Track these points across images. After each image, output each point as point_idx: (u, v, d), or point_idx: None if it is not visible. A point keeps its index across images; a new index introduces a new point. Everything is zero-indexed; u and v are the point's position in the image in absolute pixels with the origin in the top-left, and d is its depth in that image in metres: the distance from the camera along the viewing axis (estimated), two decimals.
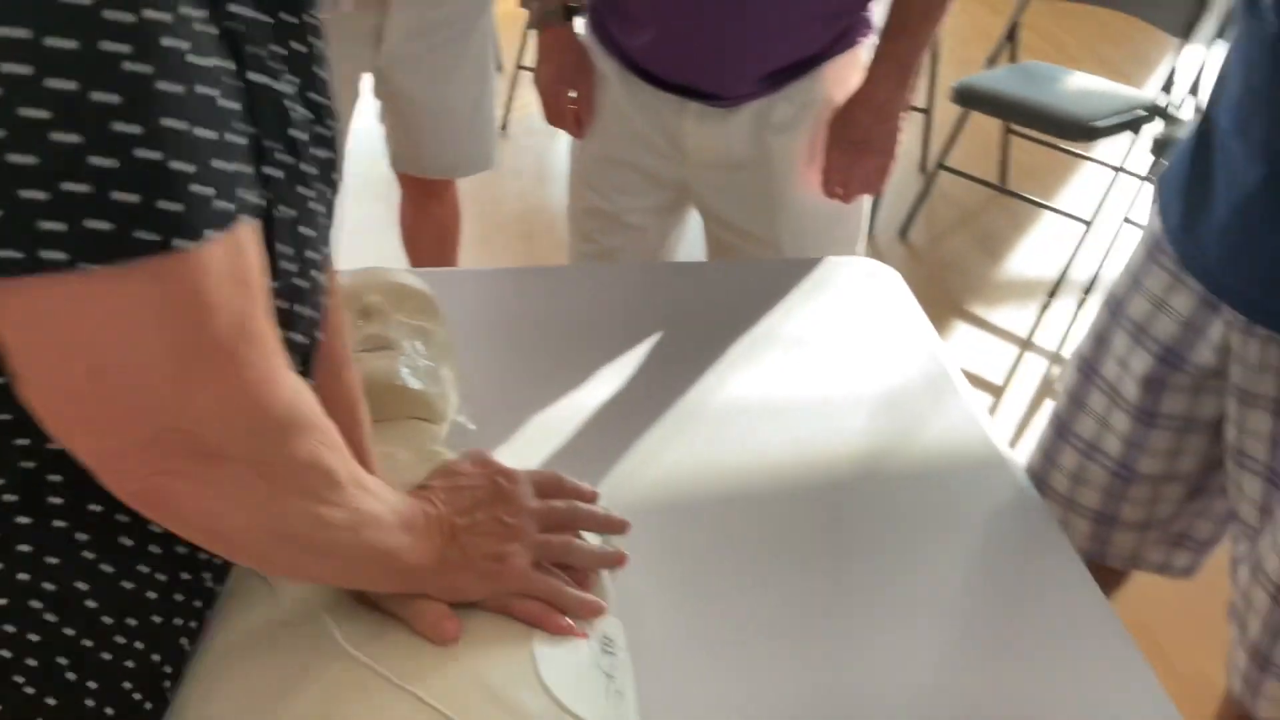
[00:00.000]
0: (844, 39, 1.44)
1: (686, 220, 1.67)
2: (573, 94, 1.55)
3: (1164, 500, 1.23)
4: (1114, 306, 1.21)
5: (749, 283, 1.32)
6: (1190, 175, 1.12)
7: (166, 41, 0.47)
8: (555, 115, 1.58)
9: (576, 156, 1.62)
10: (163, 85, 0.47)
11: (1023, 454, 2.27)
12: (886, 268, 1.36)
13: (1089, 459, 1.23)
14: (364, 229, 2.76)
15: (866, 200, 1.57)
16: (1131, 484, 1.21)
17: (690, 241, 1.71)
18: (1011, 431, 2.39)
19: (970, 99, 2.84)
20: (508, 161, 3.23)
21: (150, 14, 0.46)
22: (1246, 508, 1.15)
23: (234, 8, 0.52)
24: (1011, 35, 3.04)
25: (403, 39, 1.85)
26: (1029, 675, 0.83)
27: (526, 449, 1.02)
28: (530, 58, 3.02)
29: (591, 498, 0.79)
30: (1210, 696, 1.40)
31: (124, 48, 0.46)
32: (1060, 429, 1.27)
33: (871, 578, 0.91)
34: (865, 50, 1.47)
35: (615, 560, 0.76)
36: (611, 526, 0.78)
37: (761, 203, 1.51)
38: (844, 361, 1.18)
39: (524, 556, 0.71)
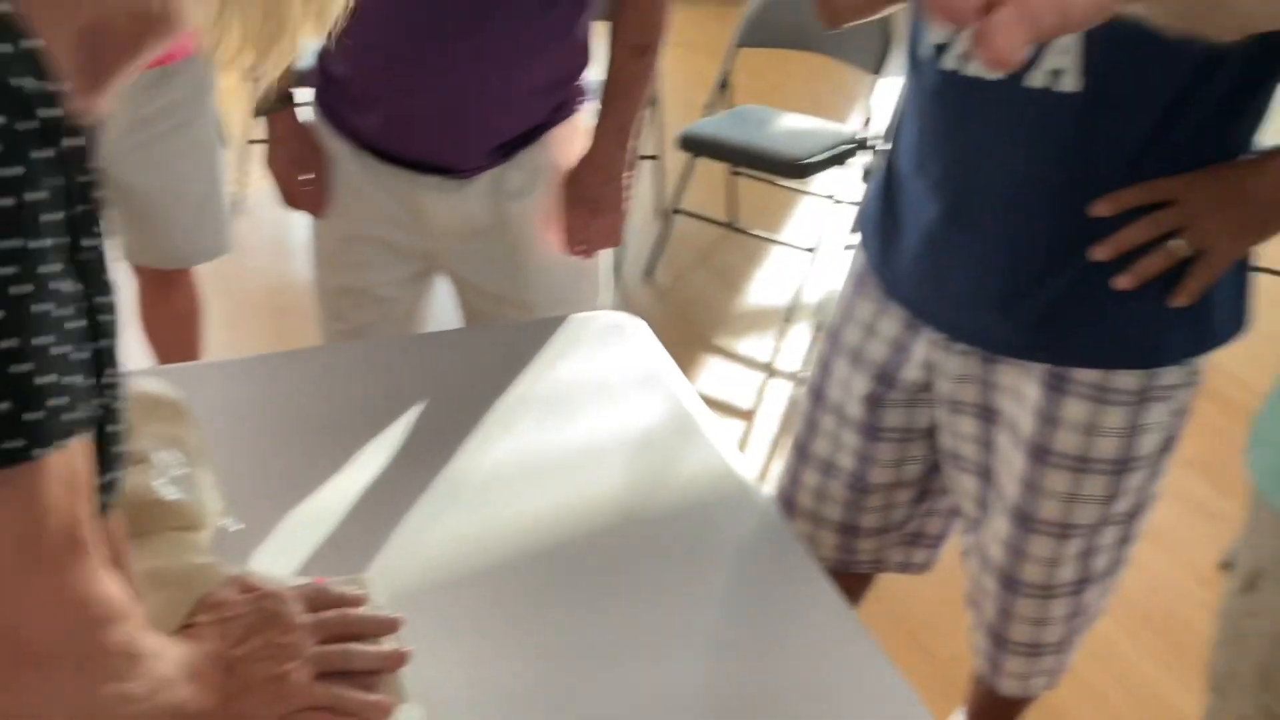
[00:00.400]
0: (564, 108, 1.53)
1: (435, 288, 1.71)
2: (307, 176, 1.56)
3: (896, 506, 1.36)
4: (832, 336, 1.33)
5: (502, 346, 1.37)
6: (882, 212, 1.24)
7: (43, 268, 0.51)
8: (292, 199, 1.58)
9: (318, 236, 1.63)
10: (37, 306, 0.51)
11: (776, 471, 2.39)
12: (632, 318, 1.44)
13: (828, 476, 1.35)
14: None
15: (606, 252, 1.65)
16: (867, 494, 1.33)
17: (444, 307, 1.75)
18: (765, 453, 2.54)
19: (694, 146, 3.01)
20: (248, 238, 3.16)
21: (33, 244, 0.51)
22: (967, 503, 1.29)
23: (86, 241, 0.56)
24: (725, 82, 3.25)
25: (124, 132, 1.80)
26: (781, 678, 0.91)
27: (295, 542, 1.03)
28: (260, 131, 2.97)
29: (358, 602, 0.82)
30: (967, 677, 1.55)
31: (9, 270, 0.50)
32: (800, 451, 1.38)
33: (643, 617, 0.97)
34: (585, 115, 1.56)
35: (395, 661, 0.79)
36: (382, 628, 0.81)
37: (506, 266, 1.57)
38: (599, 413, 1.24)
39: (304, 672, 0.73)
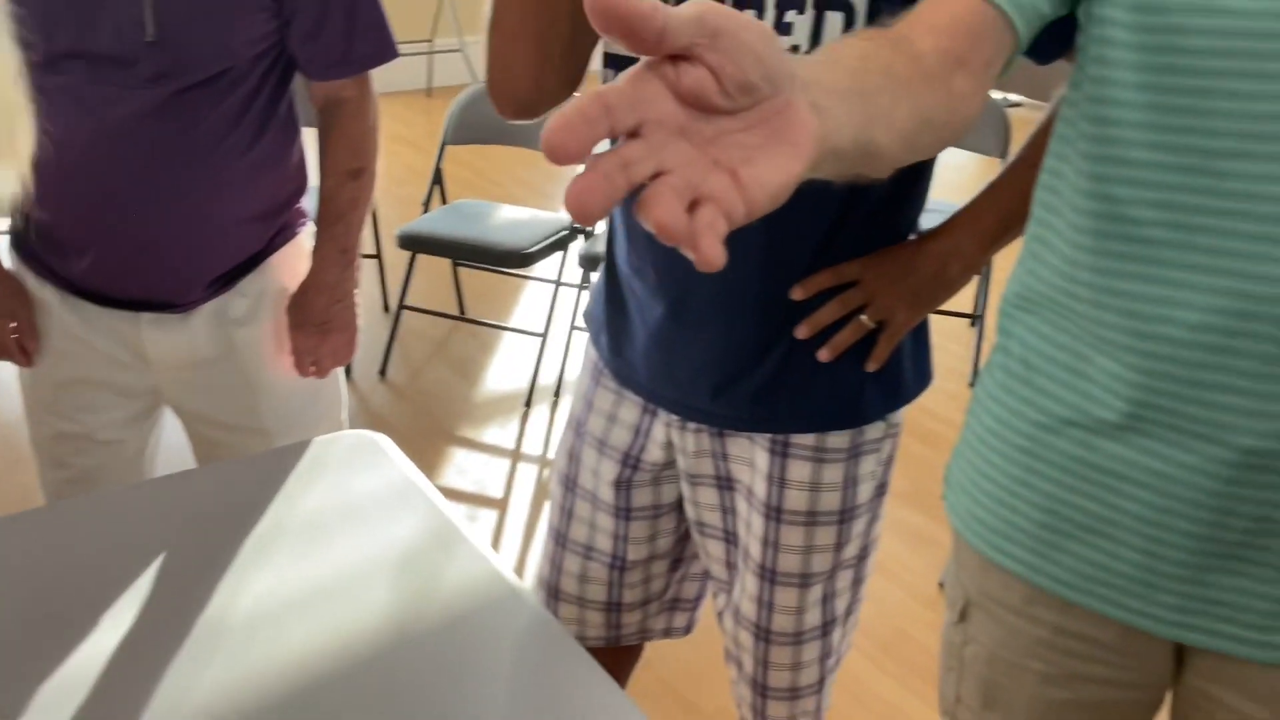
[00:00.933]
0: (284, 232, 1.54)
1: (160, 425, 1.66)
2: (13, 324, 1.49)
3: (655, 578, 1.44)
4: (577, 427, 1.40)
5: (246, 479, 1.36)
6: (609, 312, 1.33)
7: None
8: None
9: (30, 385, 1.55)
10: None
11: (534, 555, 2.44)
12: (375, 435, 1.46)
13: (588, 559, 1.41)
14: None
15: (338, 372, 1.66)
16: (626, 572, 1.41)
17: (174, 444, 1.70)
18: (520, 538, 2.58)
19: (415, 244, 3.05)
20: None
21: None
22: (716, 567, 1.39)
23: None
24: (439, 179, 3.31)
25: None
26: None
27: (50, 716, 0.98)
28: None
29: None
30: None
31: None
32: (559, 539, 1.44)
33: None
34: (306, 237, 1.57)
35: None
36: None
37: (238, 394, 1.55)
38: (355, 536, 1.25)
39: None
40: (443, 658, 1.09)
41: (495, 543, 2.56)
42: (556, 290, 3.15)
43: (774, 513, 1.28)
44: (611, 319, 1.33)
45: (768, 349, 1.23)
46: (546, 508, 2.68)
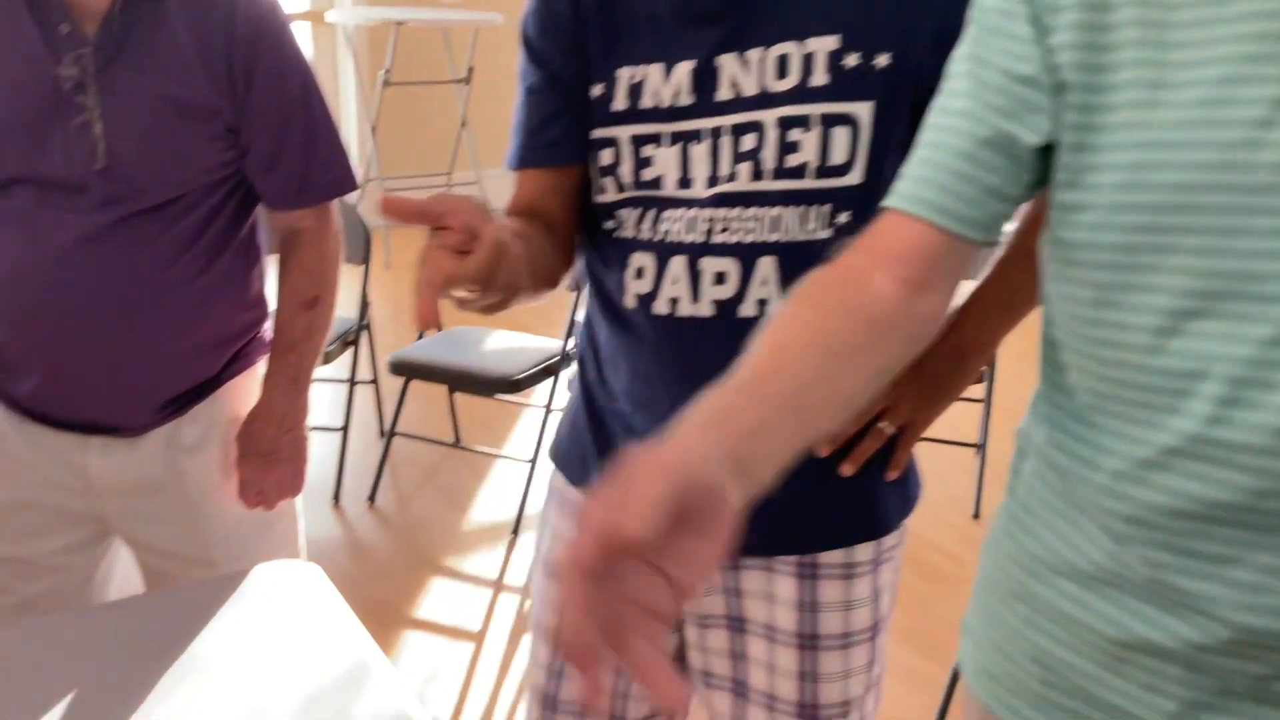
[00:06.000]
0: (239, 360, 1.54)
1: (115, 553, 1.63)
2: None
3: None
4: (557, 575, 1.32)
5: (176, 609, 1.33)
6: (596, 450, 1.26)
7: None
8: None
9: None
10: None
11: (508, 691, 2.36)
12: (308, 565, 1.43)
13: (585, 716, 1.32)
14: None
15: (296, 500, 1.64)
16: None
17: (129, 576, 1.67)
18: (494, 673, 2.51)
19: (406, 370, 3.06)
20: None
21: None
22: None
23: None
24: None
25: None
26: None
27: None
28: None
29: None
30: None
31: None
32: (549, 702, 1.34)
33: None
34: (263, 367, 1.57)
35: None
36: None
37: (185, 523, 1.53)
38: (268, 669, 1.22)
39: None
40: None
41: (469, 675, 2.49)
42: (546, 416, 3.14)
43: (809, 642, 1.21)
44: (600, 458, 1.26)
45: (796, 471, 1.18)
46: (524, 642, 2.62)
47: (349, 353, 3.24)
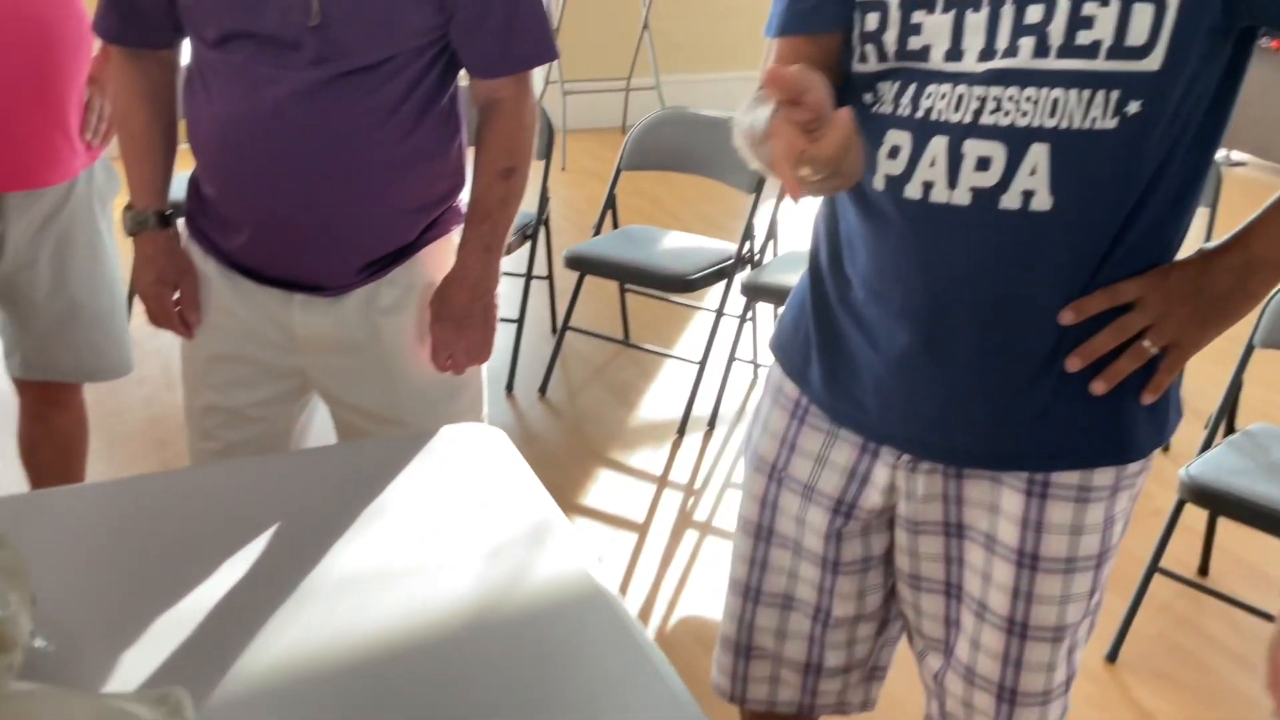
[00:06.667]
0: (436, 227, 1.57)
1: (313, 406, 1.71)
2: (176, 296, 1.57)
3: (860, 641, 1.32)
4: (770, 471, 1.29)
5: (366, 462, 1.38)
6: (820, 342, 1.23)
7: None
8: (160, 318, 1.59)
9: (188, 356, 1.63)
10: None
11: (669, 582, 2.40)
12: (493, 429, 1.46)
13: (788, 610, 1.30)
14: None
15: (499, 364, 1.67)
16: (830, 630, 1.29)
17: (325, 429, 1.74)
18: (656, 564, 2.55)
19: (581, 264, 3.08)
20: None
21: None
22: (929, 624, 1.26)
23: None
24: (612, 204, 3.35)
25: (27, 244, 1.81)
26: None
27: (132, 662, 1.01)
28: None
29: None
30: None
31: None
32: (747, 593, 1.33)
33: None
34: (458, 234, 1.59)
35: None
36: None
37: (379, 382, 1.59)
38: (453, 522, 1.25)
39: None
40: (517, 649, 1.07)
41: (631, 567, 2.54)
42: (718, 320, 3.13)
43: (1028, 560, 1.16)
44: (824, 350, 1.23)
45: (1033, 381, 1.11)
46: (686, 537, 2.64)
47: (526, 247, 3.28)
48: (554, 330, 3.58)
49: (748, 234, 3.09)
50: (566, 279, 3.31)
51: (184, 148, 1.56)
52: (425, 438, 1.44)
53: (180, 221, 1.60)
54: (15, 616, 0.93)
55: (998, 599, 1.19)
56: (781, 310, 1.34)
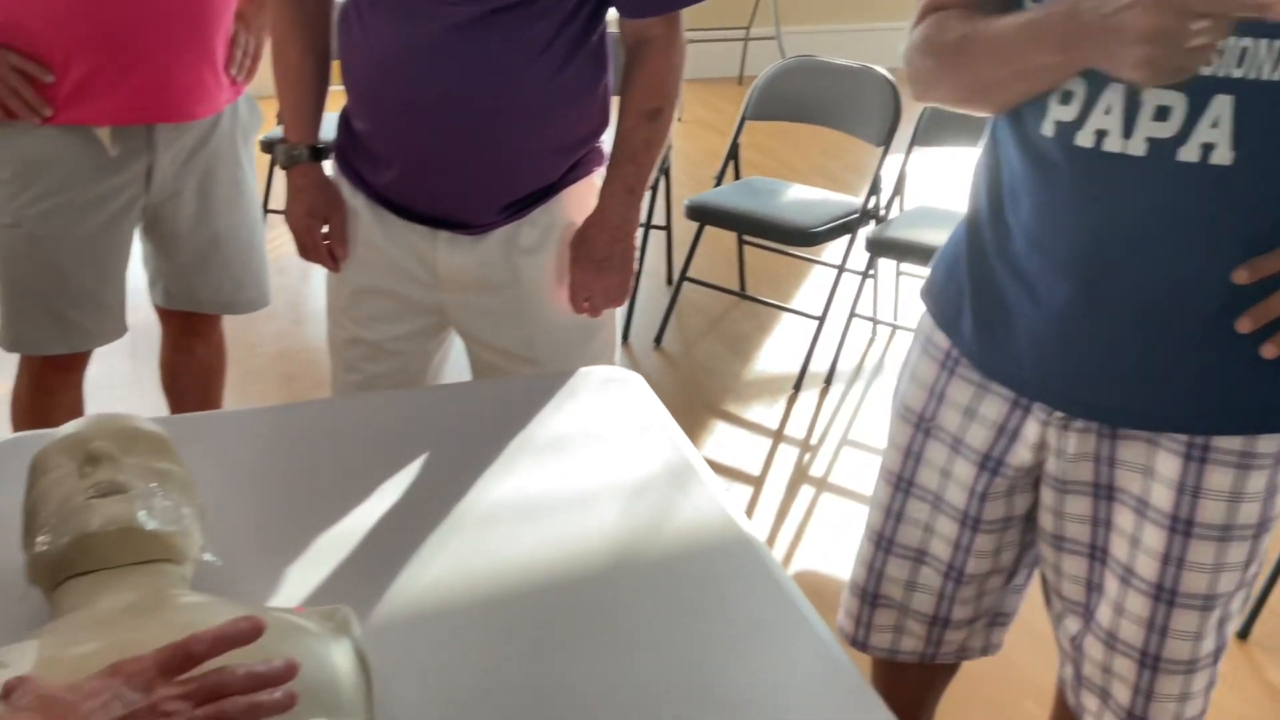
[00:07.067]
0: (579, 168, 1.57)
1: (449, 343, 1.73)
2: (325, 229, 1.60)
3: (988, 594, 1.31)
4: (917, 421, 1.27)
5: (506, 399, 1.39)
6: (975, 293, 1.20)
7: None
8: (309, 250, 1.62)
9: (333, 289, 1.66)
10: None
11: (784, 537, 2.39)
12: (631, 373, 1.46)
13: (920, 564, 1.30)
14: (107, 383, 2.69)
15: (618, 312, 1.67)
16: (961, 585, 1.28)
17: (460, 365, 1.77)
18: (771, 517, 2.54)
19: (702, 214, 3.06)
20: None
21: None
22: (1070, 586, 1.24)
23: None
24: (735, 155, 3.31)
25: (174, 176, 1.86)
26: None
27: (291, 580, 1.04)
28: (276, 200, 3.03)
29: (247, 638, 0.75)
30: None
31: None
32: (880, 542, 1.32)
33: (633, 659, 0.98)
34: (599, 176, 1.59)
35: (281, 706, 0.74)
36: (269, 680, 0.74)
37: (517, 322, 1.60)
38: (595, 461, 1.26)
39: None
40: (665, 584, 1.07)
41: (746, 517, 2.53)
42: (839, 275, 3.08)
43: (1181, 525, 1.13)
44: (978, 302, 1.20)
45: (1200, 340, 1.08)
46: (802, 492, 2.63)
47: (645, 196, 3.26)
48: (669, 281, 3.57)
49: (874, 188, 3.03)
50: (683, 231, 3.29)
51: (335, 89, 1.58)
52: (564, 377, 1.44)
53: (330, 158, 1.62)
54: (189, 530, 0.96)
55: (1146, 564, 1.16)
56: (933, 260, 1.31)
